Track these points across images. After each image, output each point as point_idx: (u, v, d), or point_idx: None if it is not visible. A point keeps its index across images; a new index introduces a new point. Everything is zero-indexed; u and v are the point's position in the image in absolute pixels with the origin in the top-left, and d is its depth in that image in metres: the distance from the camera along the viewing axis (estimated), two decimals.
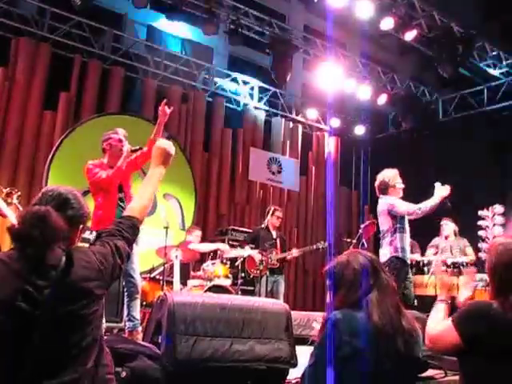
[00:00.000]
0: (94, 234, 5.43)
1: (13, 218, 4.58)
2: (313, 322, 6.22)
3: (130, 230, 2.16)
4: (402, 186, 5.46)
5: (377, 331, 2.16)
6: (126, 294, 4.77)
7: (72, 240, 2.08)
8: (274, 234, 7.84)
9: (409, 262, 5.44)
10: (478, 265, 7.57)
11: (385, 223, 5.35)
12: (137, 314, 4.77)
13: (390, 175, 5.46)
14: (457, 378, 3.90)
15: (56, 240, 1.93)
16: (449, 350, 2.37)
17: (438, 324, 2.41)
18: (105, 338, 3.24)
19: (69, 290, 1.89)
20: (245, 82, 10.85)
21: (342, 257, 2.45)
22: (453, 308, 2.58)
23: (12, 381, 1.80)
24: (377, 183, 5.55)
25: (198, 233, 7.71)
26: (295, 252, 7.80)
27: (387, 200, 5.34)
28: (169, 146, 2.41)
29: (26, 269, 1.87)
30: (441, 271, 2.67)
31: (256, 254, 7.36)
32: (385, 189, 5.42)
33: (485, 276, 6.99)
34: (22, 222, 1.93)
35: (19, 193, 5.26)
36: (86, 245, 2.23)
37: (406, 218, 5.34)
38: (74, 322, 1.90)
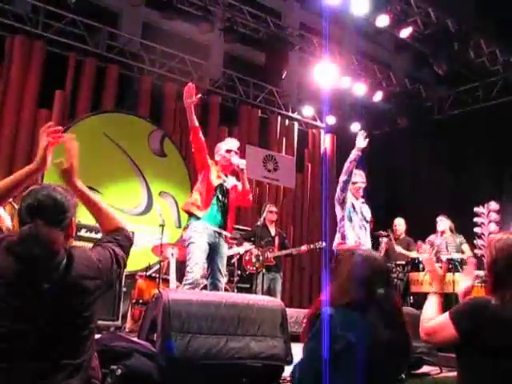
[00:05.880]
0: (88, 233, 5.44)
1: (7, 220, 4.56)
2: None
3: (126, 239, 2.28)
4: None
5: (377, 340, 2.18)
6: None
7: (70, 233, 2.14)
8: (273, 231, 7.81)
9: None
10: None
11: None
12: None
13: None
14: (452, 374, 3.93)
15: (56, 251, 1.99)
16: (445, 343, 2.37)
17: (434, 317, 2.40)
18: (100, 335, 3.24)
19: (69, 287, 1.97)
20: (240, 80, 10.84)
21: (364, 250, 2.44)
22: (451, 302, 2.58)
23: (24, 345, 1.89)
24: None
25: None
26: (294, 250, 7.76)
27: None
28: None
29: (30, 269, 1.94)
30: (432, 264, 2.64)
31: (253, 249, 7.35)
32: None
33: (481, 272, 7.00)
34: (21, 243, 1.97)
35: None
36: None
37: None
38: (71, 317, 1.98)
